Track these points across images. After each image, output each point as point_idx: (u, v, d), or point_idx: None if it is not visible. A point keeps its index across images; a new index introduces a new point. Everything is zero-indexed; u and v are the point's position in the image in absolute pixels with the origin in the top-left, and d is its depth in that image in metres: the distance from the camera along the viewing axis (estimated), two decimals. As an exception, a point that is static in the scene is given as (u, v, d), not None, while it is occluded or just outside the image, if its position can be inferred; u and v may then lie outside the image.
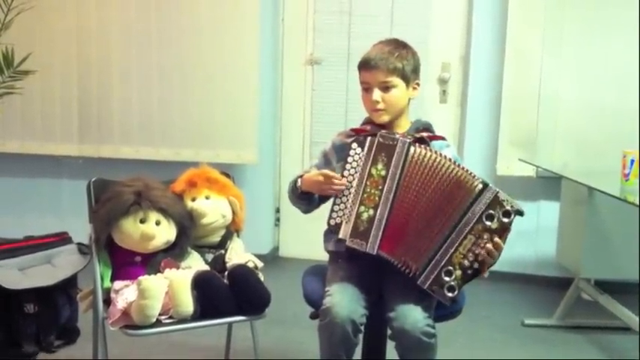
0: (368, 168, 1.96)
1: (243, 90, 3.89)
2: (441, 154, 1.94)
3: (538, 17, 3.65)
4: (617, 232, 3.08)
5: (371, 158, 1.96)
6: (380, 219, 1.94)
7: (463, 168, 1.90)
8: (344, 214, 1.99)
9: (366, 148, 1.97)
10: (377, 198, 1.95)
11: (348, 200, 1.98)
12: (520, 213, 1.84)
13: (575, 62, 3.63)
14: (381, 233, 1.94)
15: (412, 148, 1.94)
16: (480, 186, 1.85)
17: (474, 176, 1.88)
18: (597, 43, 3.57)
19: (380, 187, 1.95)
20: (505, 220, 1.84)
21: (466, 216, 1.86)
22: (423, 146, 1.96)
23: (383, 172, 1.95)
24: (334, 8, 4.02)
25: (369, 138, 1.98)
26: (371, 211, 1.95)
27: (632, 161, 2.69)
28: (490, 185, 1.85)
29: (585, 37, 3.60)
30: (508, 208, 1.83)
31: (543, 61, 3.67)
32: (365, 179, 1.96)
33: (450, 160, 1.92)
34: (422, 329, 1.88)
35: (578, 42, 3.61)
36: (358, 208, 1.96)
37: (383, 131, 2.01)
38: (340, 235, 1.99)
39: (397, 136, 1.99)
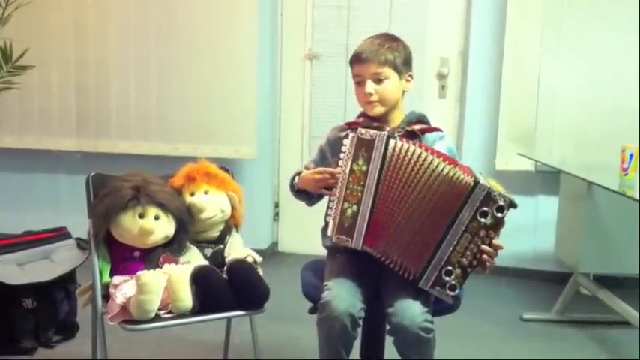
0: (350, 164, 1.95)
1: (242, 85, 3.88)
2: (424, 148, 1.92)
3: (537, 13, 3.65)
4: (616, 226, 3.09)
5: (352, 154, 1.95)
6: (363, 215, 1.93)
7: (451, 164, 1.88)
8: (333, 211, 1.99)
9: (347, 144, 1.97)
10: (359, 194, 1.94)
11: (336, 197, 1.99)
12: (513, 205, 1.83)
13: (574, 57, 3.62)
14: (364, 229, 1.94)
15: (392, 142, 1.92)
16: (471, 183, 1.83)
17: (464, 171, 1.86)
18: (596, 38, 3.57)
19: (362, 183, 1.93)
20: (499, 215, 1.83)
21: (460, 215, 1.84)
22: (404, 140, 1.94)
23: (364, 168, 1.93)
24: (333, 3, 4.02)
25: (344, 133, 1.97)
26: (354, 207, 1.94)
27: (631, 156, 2.68)
28: (481, 182, 1.83)
29: (584, 32, 3.59)
30: (501, 203, 1.82)
31: (542, 56, 3.66)
32: (348, 175, 1.95)
33: (433, 153, 1.90)
34: (420, 324, 1.88)
35: (576, 37, 3.61)
36: (343, 204, 1.95)
37: (371, 124, 2.00)
38: (328, 232, 1.98)
39: (377, 131, 1.96)
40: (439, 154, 1.91)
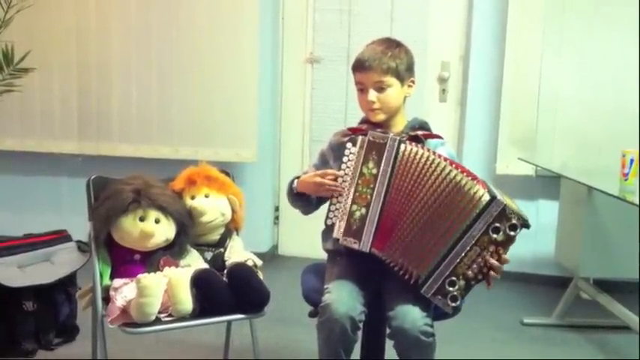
0: (360, 167, 1.96)
1: (243, 88, 3.89)
2: (434, 153, 1.93)
3: (538, 16, 3.65)
4: (616, 231, 3.08)
5: (362, 157, 1.96)
6: (372, 217, 1.94)
7: (461, 170, 1.88)
8: (339, 214, 1.99)
9: (357, 147, 1.97)
10: (369, 196, 1.95)
11: (342, 199, 1.99)
12: (527, 226, 1.82)
13: (575, 61, 3.62)
14: (373, 231, 1.94)
15: (403, 146, 1.93)
16: (487, 197, 1.82)
17: (475, 182, 1.86)
18: (597, 42, 3.57)
19: (371, 186, 1.94)
20: (511, 233, 1.82)
21: (472, 228, 1.83)
22: (414, 144, 1.95)
23: (374, 171, 1.94)
24: (334, 7, 4.03)
25: (360, 137, 1.98)
26: (363, 210, 1.95)
27: (632, 160, 2.69)
28: (498, 198, 1.82)
29: (585, 36, 3.59)
30: (515, 221, 1.81)
31: (543, 60, 3.66)
32: (357, 178, 1.96)
33: (445, 160, 1.91)
34: (420, 328, 1.88)
35: (577, 41, 3.61)
36: (351, 206, 1.96)
37: (374, 131, 2.00)
38: (334, 234, 1.99)
39: (389, 134, 1.98)
40: (452, 162, 1.91)
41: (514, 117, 3.74)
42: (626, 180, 2.71)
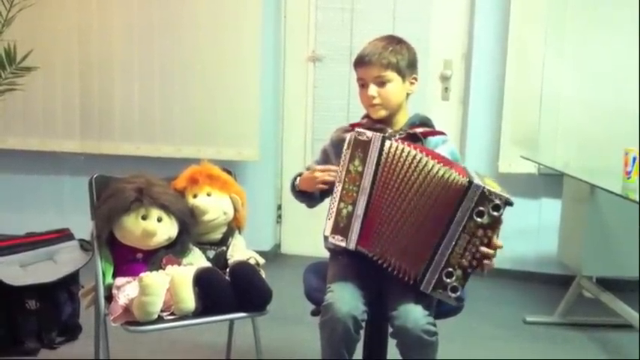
0: (346, 164, 1.95)
1: (245, 87, 3.89)
2: (419, 149, 1.91)
3: (540, 15, 3.65)
4: (619, 229, 3.08)
5: (349, 154, 1.95)
6: (357, 215, 1.93)
7: (446, 165, 1.87)
8: (330, 211, 1.99)
9: (345, 145, 1.97)
10: (355, 194, 1.94)
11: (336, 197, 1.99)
12: (509, 203, 1.82)
13: (578, 60, 3.62)
14: (358, 229, 1.94)
15: (387, 143, 1.92)
16: (466, 184, 1.83)
17: (459, 172, 1.85)
18: (600, 41, 3.57)
19: (357, 184, 1.93)
20: (495, 213, 1.82)
21: (456, 216, 1.83)
22: (400, 141, 1.94)
23: (360, 168, 1.93)
24: (336, 5, 4.02)
25: (348, 134, 1.97)
26: (350, 207, 1.94)
27: (634, 159, 2.68)
28: (475, 182, 1.81)
29: (588, 34, 3.59)
30: (497, 201, 1.81)
31: (545, 58, 3.67)
32: (344, 176, 1.95)
33: (430, 156, 1.89)
34: (423, 327, 1.88)
35: (580, 40, 3.61)
36: (338, 204, 1.95)
37: (374, 127, 2.00)
38: (324, 232, 1.99)
39: (385, 132, 1.98)
40: (434, 156, 1.90)
41: (516, 116, 3.74)
42: (628, 178, 2.70)
